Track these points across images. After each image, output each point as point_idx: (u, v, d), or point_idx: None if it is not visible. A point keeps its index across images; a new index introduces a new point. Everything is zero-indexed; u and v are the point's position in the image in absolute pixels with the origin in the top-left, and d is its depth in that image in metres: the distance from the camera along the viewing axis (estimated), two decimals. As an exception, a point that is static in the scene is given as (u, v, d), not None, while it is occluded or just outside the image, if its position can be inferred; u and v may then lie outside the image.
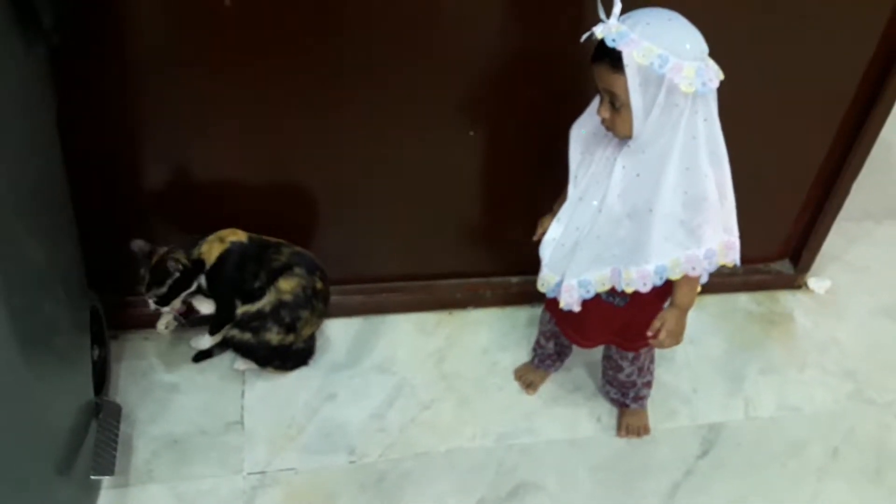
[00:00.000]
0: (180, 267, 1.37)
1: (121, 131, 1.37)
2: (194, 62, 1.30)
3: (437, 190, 1.59)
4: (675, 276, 1.17)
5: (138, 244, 1.40)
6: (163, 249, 1.39)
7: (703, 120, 1.08)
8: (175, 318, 1.50)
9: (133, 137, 1.39)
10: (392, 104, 1.42)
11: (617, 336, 1.40)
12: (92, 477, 1.27)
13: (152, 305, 1.41)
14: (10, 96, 0.98)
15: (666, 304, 1.28)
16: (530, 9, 1.36)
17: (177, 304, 1.42)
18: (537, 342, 1.59)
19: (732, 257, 1.18)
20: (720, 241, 1.16)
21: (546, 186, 1.60)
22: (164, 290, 1.38)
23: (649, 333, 1.24)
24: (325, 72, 1.35)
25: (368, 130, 1.45)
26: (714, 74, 1.05)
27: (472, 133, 1.50)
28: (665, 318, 1.24)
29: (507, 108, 1.48)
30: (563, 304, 1.27)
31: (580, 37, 1.38)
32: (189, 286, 1.40)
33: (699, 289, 1.24)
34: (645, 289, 1.18)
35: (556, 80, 1.46)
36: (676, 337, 1.25)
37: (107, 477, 1.30)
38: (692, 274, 1.17)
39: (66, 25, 1.10)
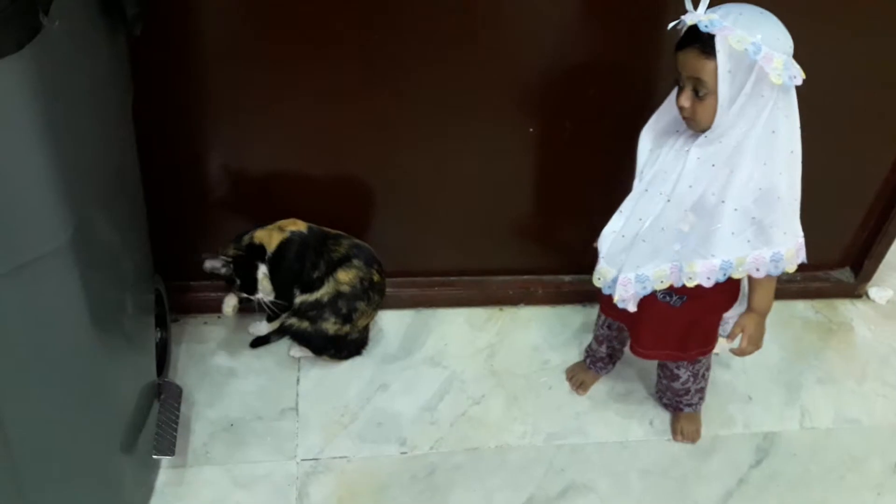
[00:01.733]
0: (230, 262, 1.40)
1: (189, 121, 1.40)
2: (259, 55, 1.33)
3: (492, 186, 1.59)
4: (737, 275, 1.15)
5: (210, 265, 1.42)
6: (230, 251, 1.43)
7: (785, 116, 1.07)
8: (241, 302, 1.52)
9: (199, 127, 1.42)
10: (451, 99, 1.42)
11: (674, 349, 1.38)
12: (154, 456, 1.31)
13: (256, 299, 1.45)
14: (94, 84, 1.01)
15: (729, 312, 1.26)
16: (593, 5, 1.35)
17: (265, 283, 1.44)
18: (590, 345, 1.58)
19: (802, 258, 1.16)
20: (790, 246, 1.13)
21: (601, 186, 1.59)
22: (239, 282, 1.42)
23: (726, 339, 1.22)
24: (385, 66, 1.36)
25: (426, 126, 1.46)
26: (798, 71, 1.05)
27: (531, 130, 1.50)
28: (745, 324, 1.22)
29: (566, 106, 1.48)
30: (617, 299, 1.23)
31: (641, 35, 1.38)
32: (255, 268, 1.43)
33: None
34: (708, 283, 1.16)
35: (617, 79, 1.45)
36: (757, 343, 1.23)
37: (167, 457, 1.33)
38: (755, 275, 1.15)
39: (147, 16, 1.12)
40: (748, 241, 1.13)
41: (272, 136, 1.44)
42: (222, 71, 1.34)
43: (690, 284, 1.17)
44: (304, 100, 1.39)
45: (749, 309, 1.23)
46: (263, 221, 1.47)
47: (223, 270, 1.42)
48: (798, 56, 1.07)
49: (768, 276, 1.15)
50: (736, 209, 1.11)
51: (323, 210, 1.51)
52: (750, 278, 1.19)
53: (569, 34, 1.39)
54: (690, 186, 1.14)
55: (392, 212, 1.60)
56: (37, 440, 1.06)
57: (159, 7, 1.22)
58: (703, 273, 1.16)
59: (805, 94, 1.09)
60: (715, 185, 1.12)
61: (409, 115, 1.44)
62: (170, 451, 1.32)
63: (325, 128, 1.44)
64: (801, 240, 1.16)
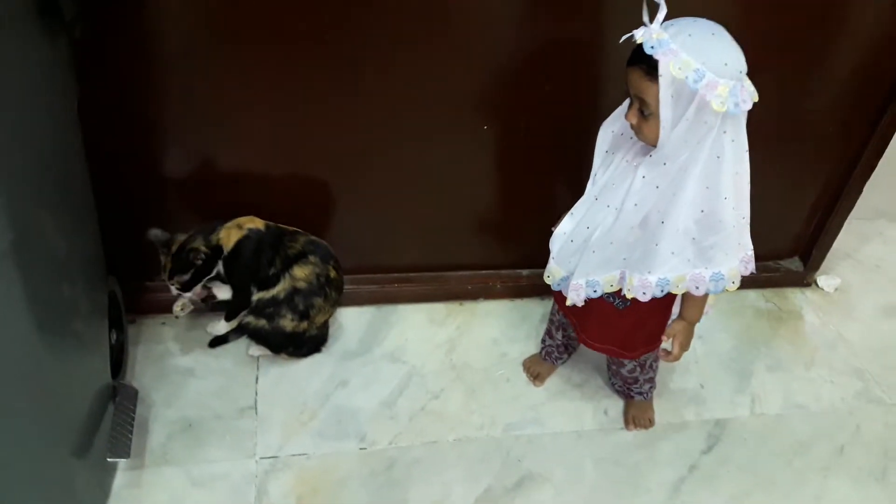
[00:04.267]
0: (202, 256, 1.40)
1: (140, 120, 1.38)
2: (214, 53, 1.32)
3: (449, 183, 1.60)
4: (676, 292, 1.19)
5: (155, 234, 1.42)
6: (182, 237, 1.42)
7: (731, 140, 1.07)
8: (192, 303, 1.53)
9: (153, 126, 1.40)
10: (407, 97, 1.43)
11: (619, 347, 1.42)
12: (108, 459, 1.30)
13: (174, 291, 1.44)
14: (33, 87, 1.00)
15: (670, 320, 1.30)
16: (546, 3, 1.37)
17: (198, 289, 1.45)
18: (547, 332, 1.61)
19: (750, 270, 1.19)
20: (732, 265, 1.16)
21: (557, 181, 1.62)
22: (186, 276, 1.41)
23: (663, 346, 1.27)
24: (342, 65, 1.36)
25: (383, 123, 1.47)
26: (749, 95, 1.04)
27: (485, 127, 1.51)
28: (675, 331, 1.27)
29: (521, 102, 1.49)
30: (568, 302, 1.29)
31: (596, 31, 1.40)
32: (210, 272, 1.43)
33: (709, 302, 1.26)
34: (644, 298, 1.19)
35: (571, 75, 1.46)
36: (686, 348, 1.29)
37: (123, 459, 1.32)
38: (695, 293, 1.18)
39: (88, 17, 1.11)
40: (688, 260, 1.15)
41: (230, 136, 1.44)
42: (180, 71, 1.33)
43: (629, 296, 1.22)
44: (263, 99, 1.39)
45: (680, 317, 1.28)
46: (221, 219, 1.47)
47: (167, 244, 1.41)
48: (745, 46, 1.04)
49: (707, 294, 1.19)
50: (677, 230, 1.13)
51: (282, 208, 1.51)
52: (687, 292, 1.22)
53: (522, 31, 1.40)
54: (636, 205, 1.15)
55: (351, 209, 1.60)
56: (-17, 446, 1.05)
57: (113, 8, 1.22)
58: (639, 288, 1.19)
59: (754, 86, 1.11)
60: (659, 206, 1.14)
61: (367, 114, 1.45)
62: (125, 453, 1.32)
63: (284, 127, 1.44)
64: (750, 253, 1.18)
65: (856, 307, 1.90)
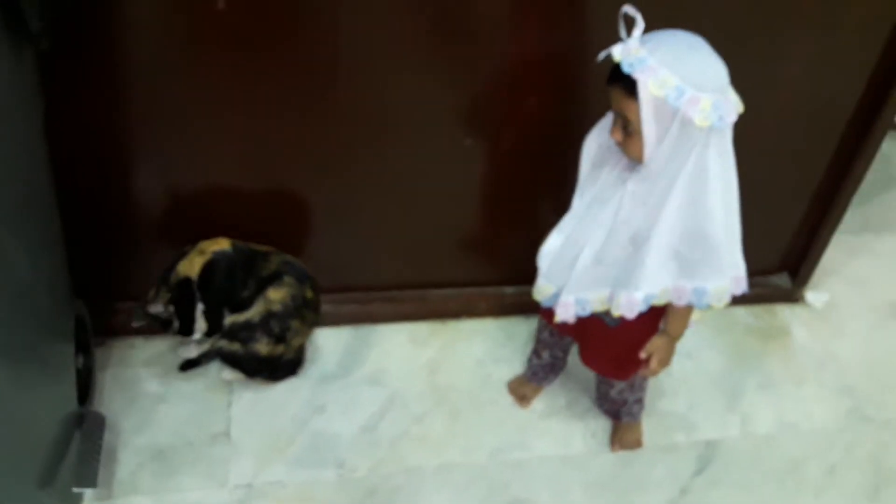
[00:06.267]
0: (171, 309, 1.37)
1: (109, 137, 1.34)
2: (183, 68, 1.28)
3: (431, 198, 1.56)
4: (659, 303, 1.16)
5: (139, 314, 1.39)
6: (150, 292, 1.38)
7: (717, 154, 1.04)
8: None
9: (121, 143, 1.36)
10: (386, 111, 1.40)
11: (611, 368, 1.39)
12: (74, 490, 1.25)
13: (191, 340, 1.43)
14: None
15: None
16: (528, 16, 1.34)
17: (201, 324, 1.41)
18: (534, 352, 1.57)
19: (741, 289, 1.15)
20: (719, 283, 1.13)
21: (542, 196, 1.59)
22: (176, 324, 1.38)
23: (642, 356, 1.23)
24: (318, 79, 1.33)
25: (361, 137, 1.43)
26: (733, 108, 1.01)
27: (468, 142, 1.48)
28: (656, 347, 1.23)
29: (503, 116, 1.46)
30: (557, 319, 1.25)
31: (580, 44, 1.38)
32: (194, 303, 1.38)
33: (694, 317, 1.23)
34: (631, 314, 1.16)
35: (554, 88, 1.44)
36: (666, 364, 1.25)
37: (90, 489, 1.27)
38: (677, 303, 1.16)
39: (55, 30, 1.07)
40: (671, 273, 1.13)
41: (200, 151, 1.40)
42: (149, 84, 1.29)
43: (616, 314, 1.18)
44: (235, 113, 1.35)
45: (663, 332, 1.24)
46: (192, 239, 1.42)
47: (164, 315, 1.38)
48: (734, 64, 1.03)
49: (689, 305, 1.16)
50: (662, 245, 1.10)
51: (255, 226, 1.47)
52: (669, 303, 1.19)
53: (504, 45, 1.37)
54: (625, 222, 1.13)
55: (329, 226, 1.56)
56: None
57: (78, 20, 1.18)
58: (626, 305, 1.16)
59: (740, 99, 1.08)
60: (646, 223, 1.11)
61: (344, 128, 1.41)
62: (91, 482, 1.26)
63: (257, 142, 1.40)
64: (740, 273, 1.15)
65: (845, 323, 1.88)
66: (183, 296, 1.36)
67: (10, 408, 1.04)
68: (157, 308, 1.37)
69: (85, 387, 1.40)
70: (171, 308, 1.37)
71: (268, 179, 1.47)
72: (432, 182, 1.53)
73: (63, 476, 1.22)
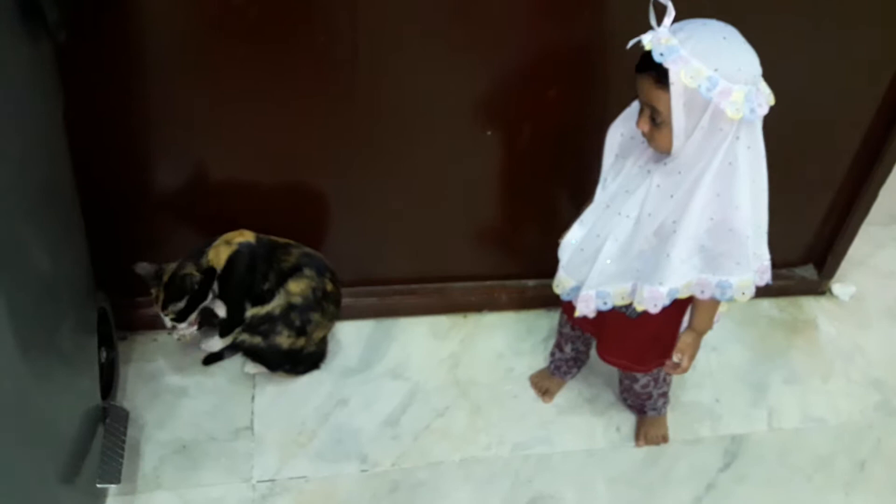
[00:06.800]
0: (197, 280, 1.34)
1: (128, 129, 1.33)
2: (202, 60, 1.27)
3: (451, 191, 1.55)
4: (682, 296, 1.14)
5: (143, 267, 1.37)
6: (172, 265, 1.36)
7: (746, 147, 1.02)
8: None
9: (140, 136, 1.35)
10: (406, 104, 1.38)
11: (632, 361, 1.37)
12: (98, 485, 1.25)
13: (169, 324, 1.38)
14: (15, 95, 0.95)
15: (682, 328, 1.25)
16: (549, 6, 1.32)
17: (193, 318, 1.39)
18: (556, 345, 1.55)
19: (766, 281, 1.15)
20: (743, 276, 1.11)
21: (563, 188, 1.57)
22: (181, 304, 1.35)
23: (675, 360, 1.22)
24: (339, 71, 1.32)
25: (381, 130, 1.42)
26: (764, 99, 0.99)
27: (488, 133, 1.47)
28: (686, 345, 1.22)
29: (524, 108, 1.44)
30: (578, 313, 1.24)
31: (601, 35, 1.35)
32: (205, 297, 1.37)
33: (722, 308, 1.22)
34: (655, 310, 1.15)
35: (576, 79, 1.42)
36: (693, 359, 1.24)
37: (113, 485, 1.26)
38: (700, 297, 1.14)
39: (72, 22, 1.06)
40: (695, 267, 1.12)
41: (222, 144, 1.39)
42: (168, 78, 1.28)
43: (639, 308, 1.17)
44: (256, 107, 1.34)
45: (690, 328, 1.22)
46: (213, 232, 1.42)
47: (157, 275, 1.35)
48: (762, 52, 1.01)
49: (713, 299, 1.14)
50: (687, 238, 1.08)
51: (275, 219, 1.46)
52: (694, 298, 1.17)
53: (525, 35, 1.35)
54: (650, 215, 1.11)
55: (349, 219, 1.55)
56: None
57: (100, 12, 1.17)
58: (650, 299, 1.15)
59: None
60: (674, 215, 1.09)
61: (364, 119, 1.40)
62: (115, 478, 1.26)
63: (277, 135, 1.39)
64: (766, 263, 1.14)
65: (872, 315, 1.84)
66: (202, 284, 1.35)
67: (32, 402, 1.03)
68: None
69: (108, 381, 1.40)
70: (194, 289, 1.35)
71: (288, 173, 1.46)
72: (453, 174, 1.52)
73: (86, 472, 1.22)
